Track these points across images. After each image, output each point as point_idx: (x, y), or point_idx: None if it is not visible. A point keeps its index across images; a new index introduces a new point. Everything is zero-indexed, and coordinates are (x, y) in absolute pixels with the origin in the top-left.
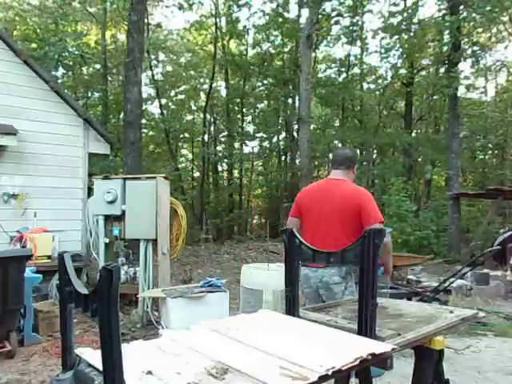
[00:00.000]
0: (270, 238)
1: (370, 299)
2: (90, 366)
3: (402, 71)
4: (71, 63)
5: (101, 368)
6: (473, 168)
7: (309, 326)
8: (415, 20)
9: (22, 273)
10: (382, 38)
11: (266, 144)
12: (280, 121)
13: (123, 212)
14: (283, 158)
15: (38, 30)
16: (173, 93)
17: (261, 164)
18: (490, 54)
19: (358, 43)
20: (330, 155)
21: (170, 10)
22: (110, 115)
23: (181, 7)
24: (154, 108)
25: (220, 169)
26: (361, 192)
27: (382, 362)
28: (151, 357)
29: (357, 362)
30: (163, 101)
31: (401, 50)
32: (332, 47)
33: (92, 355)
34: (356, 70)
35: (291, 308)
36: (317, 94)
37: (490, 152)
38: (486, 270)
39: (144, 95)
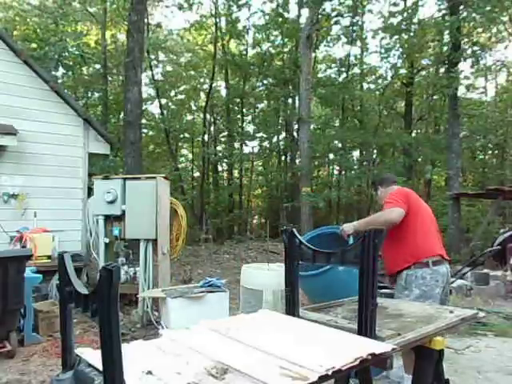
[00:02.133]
0: (269, 237)
1: (370, 299)
2: (90, 365)
3: (402, 71)
4: (71, 63)
5: (101, 368)
6: (473, 168)
7: (309, 326)
8: (415, 20)
9: (22, 273)
10: (382, 38)
11: (266, 144)
12: (280, 121)
13: (123, 212)
14: (283, 158)
15: (38, 30)
16: (173, 93)
17: (261, 164)
18: (490, 54)
19: (358, 43)
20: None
21: (169, 9)
22: (110, 115)
23: (181, 7)
24: (154, 108)
25: (220, 169)
26: None
27: (382, 362)
28: (151, 357)
29: (357, 362)
30: (163, 101)
31: (401, 50)
32: (332, 47)
33: (92, 355)
34: (356, 70)
35: (291, 308)
36: (317, 93)
37: (490, 152)
38: (485, 270)
39: (144, 95)
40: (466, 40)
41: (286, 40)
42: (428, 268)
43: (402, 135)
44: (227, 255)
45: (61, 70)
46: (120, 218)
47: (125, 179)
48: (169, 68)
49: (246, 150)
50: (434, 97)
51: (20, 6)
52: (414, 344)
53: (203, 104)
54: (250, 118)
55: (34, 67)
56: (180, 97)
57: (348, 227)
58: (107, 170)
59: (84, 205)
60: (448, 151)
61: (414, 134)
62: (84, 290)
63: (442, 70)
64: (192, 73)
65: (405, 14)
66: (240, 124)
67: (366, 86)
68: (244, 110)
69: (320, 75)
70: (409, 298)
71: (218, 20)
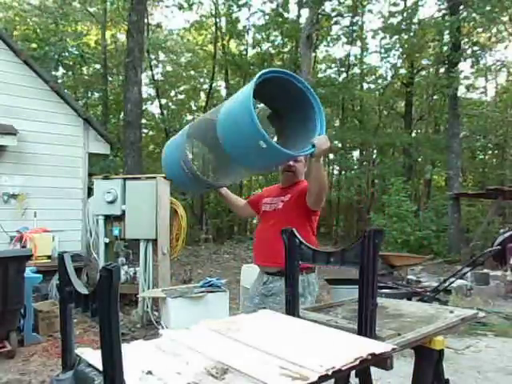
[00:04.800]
0: None
1: (370, 299)
2: (90, 365)
3: (402, 71)
4: (71, 63)
5: (101, 368)
6: (473, 168)
7: (309, 326)
8: (415, 20)
9: (22, 273)
10: (382, 38)
11: None
12: None
13: (123, 212)
14: None
15: (38, 30)
16: (173, 93)
17: None
18: (490, 54)
19: (358, 43)
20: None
21: (169, 9)
22: (110, 115)
23: (181, 7)
24: (154, 108)
25: None
26: None
27: (382, 362)
28: (151, 357)
29: (357, 362)
30: (163, 101)
31: (401, 50)
32: (332, 47)
33: (92, 355)
34: (356, 70)
35: (291, 308)
36: (317, 94)
37: (490, 152)
38: (485, 270)
39: (144, 95)
40: (466, 40)
41: (285, 40)
42: (314, 272)
43: (402, 135)
44: (227, 255)
45: (61, 70)
46: (120, 218)
47: (125, 179)
48: (169, 68)
49: None
50: (434, 97)
51: (20, 6)
52: (414, 344)
53: (203, 104)
54: None
55: (34, 67)
56: (180, 97)
57: (326, 143)
58: (107, 170)
59: (84, 205)
60: (448, 151)
61: (414, 134)
62: (84, 290)
63: (442, 70)
64: (192, 73)
65: (405, 14)
66: None
67: (365, 86)
68: None
69: (320, 75)
70: (304, 305)
71: (218, 20)
